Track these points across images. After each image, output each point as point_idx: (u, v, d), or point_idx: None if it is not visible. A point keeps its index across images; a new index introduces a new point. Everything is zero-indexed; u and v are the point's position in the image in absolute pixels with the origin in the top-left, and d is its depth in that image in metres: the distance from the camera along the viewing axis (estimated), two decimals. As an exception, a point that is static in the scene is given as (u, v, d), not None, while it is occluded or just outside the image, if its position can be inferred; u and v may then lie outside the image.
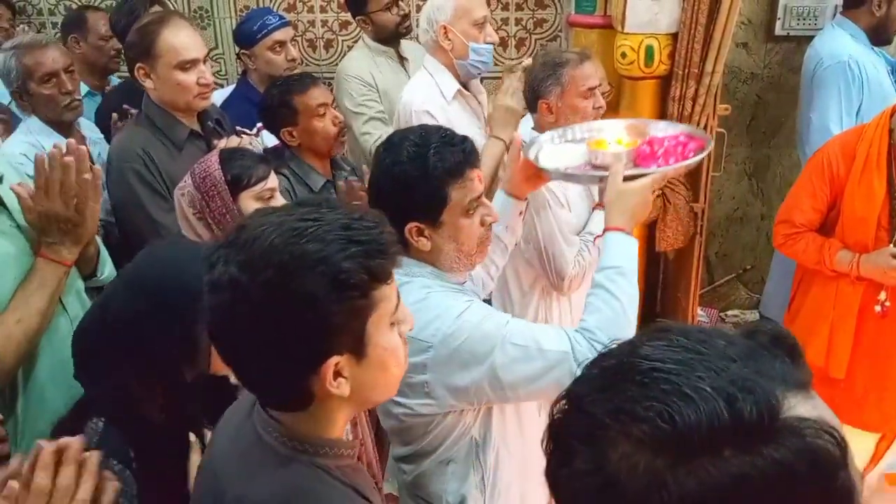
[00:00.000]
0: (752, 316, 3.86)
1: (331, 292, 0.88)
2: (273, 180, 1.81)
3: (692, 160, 1.61)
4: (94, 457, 0.98)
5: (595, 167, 1.66)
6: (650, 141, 1.67)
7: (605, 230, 1.56)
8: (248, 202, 1.74)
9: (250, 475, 0.97)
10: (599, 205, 2.29)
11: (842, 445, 0.56)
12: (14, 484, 0.95)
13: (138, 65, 2.18)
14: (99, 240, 1.84)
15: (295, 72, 2.89)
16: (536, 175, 1.73)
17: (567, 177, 1.72)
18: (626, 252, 1.52)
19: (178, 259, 1.28)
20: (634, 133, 1.74)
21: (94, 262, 1.78)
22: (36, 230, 1.59)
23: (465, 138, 1.53)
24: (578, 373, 1.30)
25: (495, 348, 1.40)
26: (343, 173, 2.55)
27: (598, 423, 0.58)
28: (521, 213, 1.79)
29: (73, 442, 0.98)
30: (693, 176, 2.85)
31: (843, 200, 2.23)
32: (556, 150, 1.78)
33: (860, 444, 2.41)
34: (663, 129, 1.77)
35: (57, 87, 2.38)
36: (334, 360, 0.92)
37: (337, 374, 0.93)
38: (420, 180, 1.45)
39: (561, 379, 1.38)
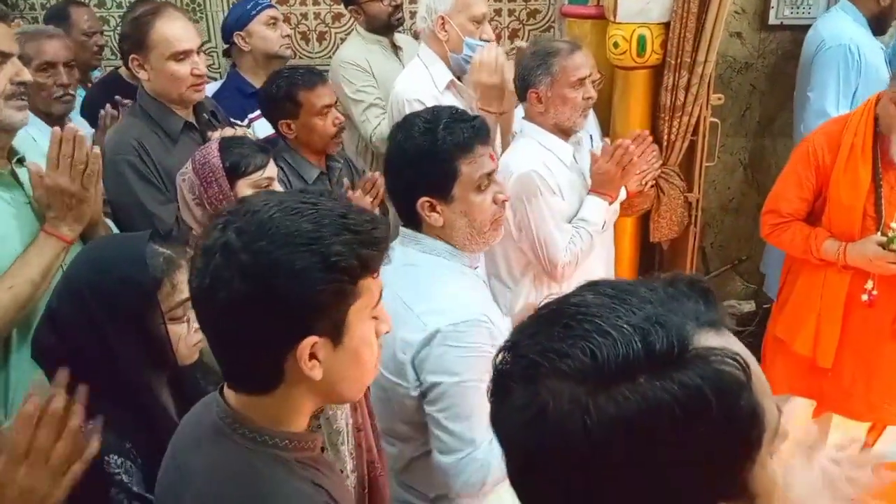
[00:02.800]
0: (748, 306, 3.85)
1: (319, 271, 0.91)
2: (271, 169, 1.85)
3: None
4: (74, 420, 1.01)
5: None
6: None
7: None
8: (246, 190, 1.77)
9: (210, 470, 0.97)
10: (593, 190, 2.29)
11: (745, 369, 0.62)
12: None
13: (132, 56, 2.20)
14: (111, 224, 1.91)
15: (302, 64, 2.89)
16: None
17: None
18: None
19: (119, 256, 1.28)
20: None
21: None
22: (42, 206, 1.67)
23: (476, 116, 1.55)
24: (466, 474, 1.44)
25: (462, 377, 1.42)
26: (337, 165, 2.54)
27: (529, 363, 0.64)
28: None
29: (56, 401, 1.00)
30: (687, 166, 2.84)
31: (829, 189, 2.23)
32: None
33: (850, 435, 2.41)
34: None
35: (52, 78, 2.39)
36: (312, 339, 0.93)
37: (312, 355, 0.94)
38: (430, 154, 1.48)
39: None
